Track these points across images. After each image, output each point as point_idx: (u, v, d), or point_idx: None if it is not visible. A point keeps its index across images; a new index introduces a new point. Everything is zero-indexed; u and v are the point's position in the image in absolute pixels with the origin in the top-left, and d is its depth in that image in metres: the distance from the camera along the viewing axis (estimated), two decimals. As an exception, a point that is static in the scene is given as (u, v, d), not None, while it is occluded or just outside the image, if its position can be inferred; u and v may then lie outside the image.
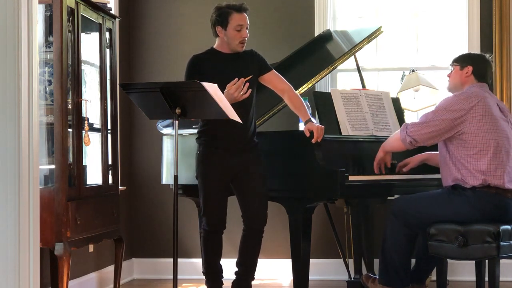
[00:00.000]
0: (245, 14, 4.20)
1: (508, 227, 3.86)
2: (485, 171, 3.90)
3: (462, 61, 4.19)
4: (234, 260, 4.34)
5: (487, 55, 4.26)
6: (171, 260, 3.88)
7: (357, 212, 4.64)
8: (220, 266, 4.33)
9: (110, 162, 4.57)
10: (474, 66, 4.14)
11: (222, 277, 4.35)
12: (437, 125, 3.97)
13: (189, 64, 4.20)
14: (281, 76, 4.29)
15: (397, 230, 4.04)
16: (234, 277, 4.34)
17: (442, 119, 3.96)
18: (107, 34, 4.56)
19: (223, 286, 4.36)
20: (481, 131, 3.93)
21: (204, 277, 4.35)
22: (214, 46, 4.27)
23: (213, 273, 4.30)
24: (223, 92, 3.86)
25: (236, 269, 4.31)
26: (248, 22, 4.21)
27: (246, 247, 4.28)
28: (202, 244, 4.29)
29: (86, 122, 4.13)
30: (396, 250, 4.04)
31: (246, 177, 4.19)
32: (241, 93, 3.97)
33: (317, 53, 5.11)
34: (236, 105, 3.94)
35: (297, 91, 4.43)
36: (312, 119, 4.22)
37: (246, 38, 4.20)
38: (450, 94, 4.20)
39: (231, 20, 4.15)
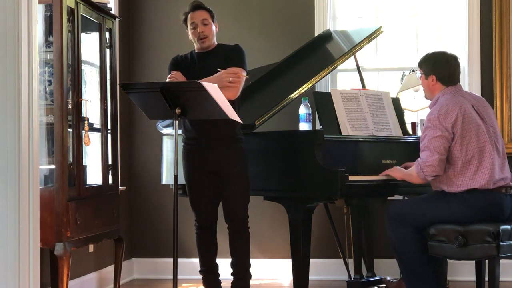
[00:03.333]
0: (200, 11, 4.22)
1: (508, 227, 3.86)
2: (473, 180, 3.89)
3: (425, 68, 4.14)
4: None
5: (448, 52, 4.15)
6: (171, 260, 3.88)
7: (357, 212, 4.65)
8: (216, 265, 4.34)
9: (110, 162, 4.57)
10: (436, 73, 4.09)
11: (219, 276, 4.36)
12: (438, 151, 3.90)
13: (169, 64, 4.31)
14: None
15: (399, 231, 4.01)
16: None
17: (438, 144, 3.90)
18: (107, 34, 4.56)
19: (221, 284, 4.37)
20: (463, 144, 3.92)
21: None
22: None
23: (206, 271, 4.31)
24: None
25: (232, 271, 4.31)
26: (206, 17, 4.21)
27: (233, 246, 4.28)
28: (196, 240, 4.33)
29: (86, 122, 4.13)
30: (408, 249, 3.99)
31: (227, 177, 4.18)
32: (229, 79, 4.00)
33: (317, 53, 5.10)
34: None
35: (297, 91, 4.48)
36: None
37: (205, 33, 4.19)
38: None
39: (188, 21, 4.25)
